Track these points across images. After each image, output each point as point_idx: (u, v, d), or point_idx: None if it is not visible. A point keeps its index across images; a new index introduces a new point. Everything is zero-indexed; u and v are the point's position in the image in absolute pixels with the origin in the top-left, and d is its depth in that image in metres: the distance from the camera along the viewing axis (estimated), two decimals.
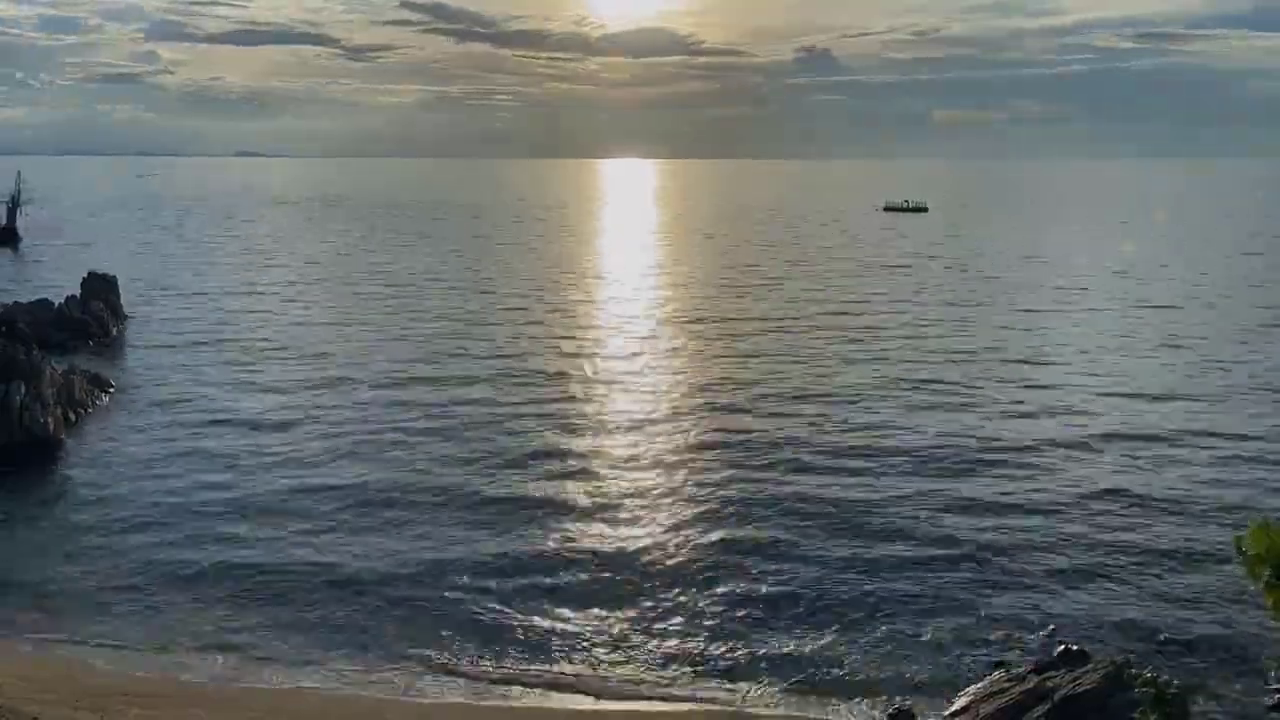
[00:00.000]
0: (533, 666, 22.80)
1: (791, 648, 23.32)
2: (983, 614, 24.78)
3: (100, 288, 62.15)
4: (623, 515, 31.23)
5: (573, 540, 29.35)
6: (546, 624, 24.50)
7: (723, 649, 23.34)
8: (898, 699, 20.88)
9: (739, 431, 39.79)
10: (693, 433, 39.75)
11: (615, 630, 24.21)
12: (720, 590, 26.16)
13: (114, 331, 59.53)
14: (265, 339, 58.97)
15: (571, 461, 36.32)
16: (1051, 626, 23.95)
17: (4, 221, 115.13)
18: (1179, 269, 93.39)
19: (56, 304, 58.51)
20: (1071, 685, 18.23)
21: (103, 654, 23.26)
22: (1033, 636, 23.59)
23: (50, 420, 37.96)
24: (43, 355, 40.00)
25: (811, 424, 40.90)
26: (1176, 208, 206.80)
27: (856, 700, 21.30)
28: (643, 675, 22.42)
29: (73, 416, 40.42)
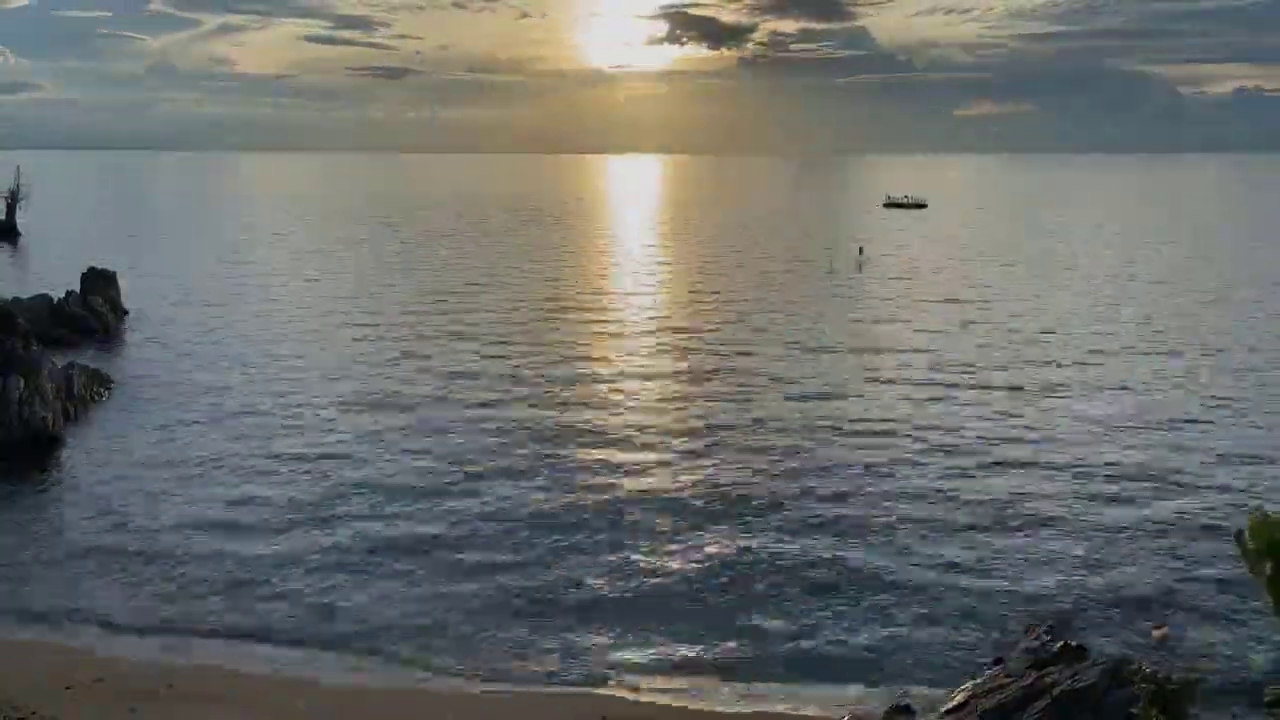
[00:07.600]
0: (533, 665, 22.82)
1: (791, 643, 23.32)
2: (982, 610, 24.80)
3: (101, 283, 62.07)
4: (620, 518, 31.23)
5: (571, 540, 29.39)
6: (546, 624, 24.52)
7: (721, 645, 23.34)
8: (897, 694, 20.88)
9: (741, 429, 39.83)
10: (702, 426, 39.82)
11: (614, 628, 24.22)
12: (719, 587, 26.18)
13: (114, 327, 59.49)
14: (266, 336, 58.98)
15: (569, 458, 36.38)
16: (1051, 623, 23.88)
17: (3, 217, 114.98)
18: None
19: (56, 299, 58.47)
20: (1070, 681, 18.17)
21: (100, 648, 23.28)
22: (1031, 633, 23.54)
23: (50, 415, 37.93)
24: (42, 350, 39.98)
25: (812, 423, 40.93)
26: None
27: (855, 696, 21.32)
28: (642, 671, 22.43)
29: (73, 412, 40.39)
